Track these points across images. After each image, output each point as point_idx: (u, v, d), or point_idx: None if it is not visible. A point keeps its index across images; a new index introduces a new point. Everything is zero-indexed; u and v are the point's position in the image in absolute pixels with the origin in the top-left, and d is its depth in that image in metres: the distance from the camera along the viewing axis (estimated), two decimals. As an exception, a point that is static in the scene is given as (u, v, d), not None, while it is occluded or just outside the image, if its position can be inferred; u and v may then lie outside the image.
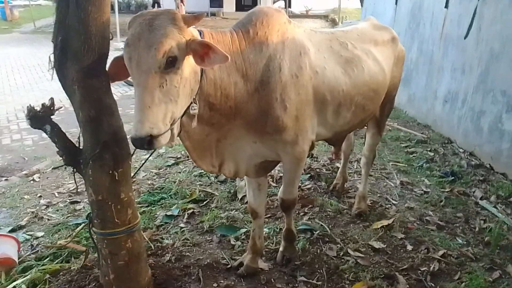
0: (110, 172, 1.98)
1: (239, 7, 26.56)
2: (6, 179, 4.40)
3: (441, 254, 2.91)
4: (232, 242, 3.03)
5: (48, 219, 3.48)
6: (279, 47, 2.11)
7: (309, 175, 4.21)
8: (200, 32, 1.89)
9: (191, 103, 1.82)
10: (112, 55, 1.91)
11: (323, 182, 4.07)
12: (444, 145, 5.29)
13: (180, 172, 4.32)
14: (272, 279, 2.60)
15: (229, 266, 2.72)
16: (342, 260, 2.83)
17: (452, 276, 2.70)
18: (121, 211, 2.06)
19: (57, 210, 3.63)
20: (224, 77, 1.95)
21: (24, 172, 4.58)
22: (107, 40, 1.85)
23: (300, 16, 25.94)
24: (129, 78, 1.77)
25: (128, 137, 1.83)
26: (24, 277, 2.56)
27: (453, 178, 4.22)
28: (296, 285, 2.55)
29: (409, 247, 3.01)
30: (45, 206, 3.72)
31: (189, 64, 1.73)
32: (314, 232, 3.16)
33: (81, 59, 1.80)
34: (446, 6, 5.42)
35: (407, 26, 6.76)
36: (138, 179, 4.25)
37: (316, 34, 2.41)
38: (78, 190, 3.69)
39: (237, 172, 2.35)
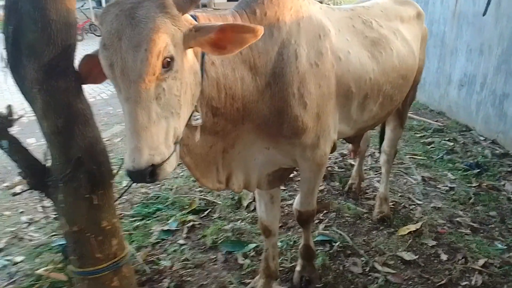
0: (87, 196, 1.56)
1: (232, -4, 25.84)
2: (-15, 194, 3.98)
3: (482, 263, 2.53)
4: (240, 261, 2.63)
5: (30, 240, 3.07)
6: (293, 30, 1.68)
7: (320, 174, 3.80)
8: (195, 18, 1.47)
9: (193, 111, 1.42)
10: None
11: (337, 182, 3.66)
12: (462, 133, 4.89)
13: (177, 177, 3.90)
14: (291, 307, 2.20)
15: (239, 292, 2.32)
16: (370, 277, 2.44)
17: (498, 291, 2.32)
18: (103, 243, 1.64)
19: (40, 228, 3.21)
20: (228, 73, 1.54)
21: (5, 184, 4.14)
22: (73, 27, 1.42)
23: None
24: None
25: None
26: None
27: (479, 170, 3.83)
28: (321, 313, 2.15)
29: (444, 257, 2.62)
30: (26, 224, 3.30)
31: (188, 63, 1.32)
32: (334, 243, 2.76)
33: (39, 54, 1.38)
34: (460, -18, 4.98)
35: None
36: (131, 188, 3.82)
37: (335, 11, 1.99)
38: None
39: (248, 185, 1.94)
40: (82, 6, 17.01)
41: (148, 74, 1.16)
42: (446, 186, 3.60)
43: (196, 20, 1.46)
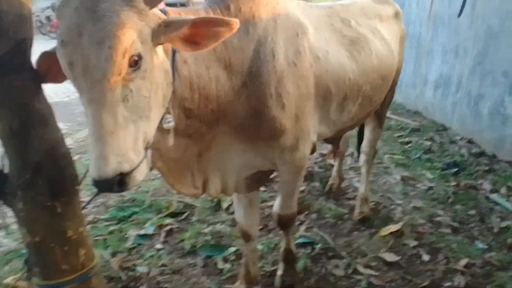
0: (49, 203, 1.44)
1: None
2: None
3: (464, 264, 2.51)
4: (220, 265, 2.54)
5: (0, 246, 2.90)
6: (270, 27, 1.60)
7: (300, 175, 3.74)
8: (164, 12, 1.36)
9: (164, 114, 1.32)
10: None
11: (318, 183, 3.61)
12: (439, 132, 4.94)
13: (154, 179, 3.76)
14: (272, 314, 2.13)
15: (218, 300, 2.23)
16: (352, 280, 2.39)
17: (481, 291, 2.31)
18: (69, 254, 1.52)
19: (9, 234, 3.03)
20: (202, 72, 1.44)
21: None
22: (27, 21, 1.30)
23: None
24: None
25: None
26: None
27: (456, 169, 3.85)
28: (302, 320, 2.08)
29: (425, 257, 2.59)
30: (-5, 229, 3.11)
31: (158, 61, 1.21)
32: (315, 246, 2.70)
33: (-10, 49, 1.24)
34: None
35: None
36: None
37: (312, 9, 1.92)
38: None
39: (225, 189, 1.85)
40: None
41: (113, 74, 1.05)
42: (425, 185, 3.60)
43: (165, 15, 1.36)
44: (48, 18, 16.09)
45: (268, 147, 1.73)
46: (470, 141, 4.52)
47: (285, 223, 2.13)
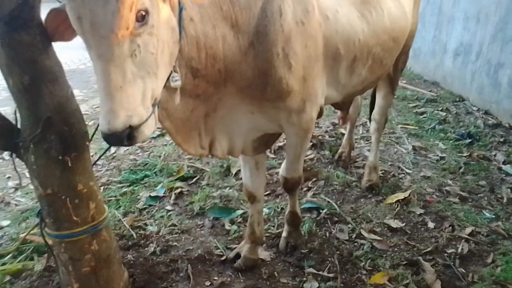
0: (60, 157, 1.50)
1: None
2: (-29, 158, 3.91)
3: (469, 232, 2.52)
4: (227, 227, 2.61)
5: (16, 205, 3.04)
6: None
7: (311, 143, 3.74)
8: None
9: (171, 72, 1.33)
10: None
11: (327, 151, 3.62)
12: (455, 103, 4.83)
13: (166, 145, 3.83)
14: (275, 272, 2.19)
15: (224, 257, 2.30)
16: (356, 244, 2.43)
17: (484, 258, 2.32)
18: (80, 207, 1.59)
19: (27, 194, 3.17)
20: (208, 31, 1.44)
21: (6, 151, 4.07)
22: (35, -26, 1.31)
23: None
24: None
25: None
26: (-22, 281, 2.14)
27: (470, 140, 3.80)
28: (304, 278, 2.14)
29: (431, 225, 2.61)
30: (13, 189, 3.26)
31: (164, 18, 1.21)
32: (321, 211, 2.74)
33: (-2, 5, 1.26)
34: None
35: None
36: (119, 154, 3.78)
37: (323, -35, 1.86)
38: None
39: (232, 151, 1.88)
40: None
41: (120, 28, 1.06)
42: (437, 155, 3.57)
43: None
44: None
45: (275, 108, 1.73)
46: (487, 112, 4.43)
47: (291, 186, 2.16)
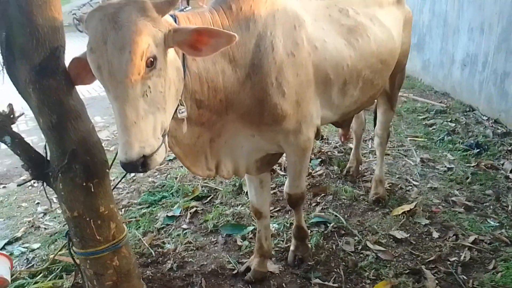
0: (84, 184, 1.71)
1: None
2: (4, 187, 4.23)
3: (472, 240, 2.60)
4: (239, 243, 2.77)
5: (45, 228, 3.29)
6: (269, 22, 1.77)
7: (320, 159, 3.89)
8: (175, 18, 1.57)
9: (178, 105, 1.54)
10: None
11: (336, 167, 3.75)
12: (465, 113, 4.89)
13: (182, 167, 4.05)
14: (283, 284, 2.34)
15: (235, 271, 2.46)
16: (361, 255, 2.55)
17: (486, 265, 2.40)
18: (102, 227, 1.79)
19: (54, 218, 3.43)
20: (209, 67, 1.65)
21: (22, 178, 4.38)
22: (59, 30, 1.55)
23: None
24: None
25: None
26: (16, 297, 2.37)
27: (478, 150, 3.86)
28: (311, 288, 2.28)
29: (435, 235, 2.70)
30: (42, 214, 3.52)
31: (170, 61, 1.43)
32: (329, 224, 2.87)
33: (30, 57, 1.51)
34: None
35: (417, -13, 6.25)
36: (139, 177, 4.01)
37: (311, 1, 2.06)
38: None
39: (237, 171, 2.06)
40: (91, 0, 17.31)
41: (133, 74, 1.27)
42: (445, 166, 3.64)
43: (175, 20, 1.57)
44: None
45: (273, 131, 1.91)
46: (496, 121, 4.47)
47: (294, 202, 2.32)
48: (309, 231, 2.80)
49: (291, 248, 2.53)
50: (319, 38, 1.92)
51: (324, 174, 3.66)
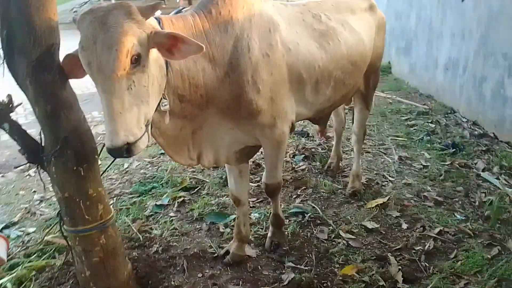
0: (75, 168, 1.89)
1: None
2: (2, 176, 4.40)
3: (438, 231, 2.79)
4: (221, 230, 2.96)
5: (41, 214, 3.47)
6: (246, 25, 1.96)
7: (303, 155, 4.09)
8: (159, 21, 1.75)
9: (161, 99, 1.71)
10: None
11: (318, 162, 3.95)
12: (446, 115, 5.09)
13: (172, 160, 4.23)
14: (259, 266, 2.53)
15: (216, 254, 2.65)
16: (333, 243, 2.74)
17: (448, 254, 2.59)
18: (90, 207, 1.98)
19: (50, 205, 3.61)
20: (190, 66, 1.83)
21: (20, 167, 4.55)
22: (54, 29, 1.73)
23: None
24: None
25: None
26: (10, 274, 2.55)
27: (454, 150, 4.06)
28: (283, 271, 2.47)
29: (404, 226, 2.90)
30: (38, 201, 3.70)
31: (154, 59, 1.60)
32: (306, 214, 3.06)
33: (28, 53, 1.69)
34: (443, -32, 5.11)
35: (405, -8, 6.46)
36: (131, 169, 4.20)
37: (287, 7, 2.25)
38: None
39: (217, 161, 2.25)
40: None
41: (119, 70, 1.44)
42: (421, 164, 3.84)
43: (160, 23, 1.75)
44: (85, 13, 16.81)
45: (249, 125, 2.10)
46: (474, 123, 4.67)
47: (271, 191, 2.51)
48: (287, 220, 3.00)
49: (268, 234, 2.72)
50: (292, 41, 2.11)
51: (307, 169, 3.86)
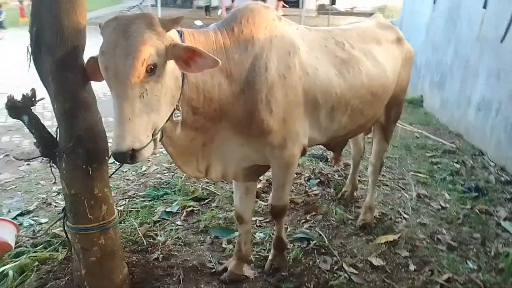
0: (84, 166, 1.94)
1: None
2: (28, 164, 4.57)
3: (446, 278, 2.66)
4: (224, 245, 2.94)
5: (55, 206, 3.57)
6: (266, 46, 1.98)
7: (318, 180, 4.03)
8: (180, 33, 1.79)
9: (174, 110, 1.74)
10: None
11: (332, 189, 3.87)
12: (474, 157, 4.89)
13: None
14: (255, 288, 2.48)
15: (214, 270, 2.63)
16: (335, 275, 2.66)
17: (453, 304, 2.46)
18: (94, 207, 2.02)
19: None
20: (207, 80, 1.85)
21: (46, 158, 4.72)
22: (81, 32, 1.80)
23: (344, 13, 25.45)
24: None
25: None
26: (14, 262, 2.61)
27: (476, 194, 3.87)
28: (279, 297, 2.41)
29: (412, 267, 2.78)
30: (56, 193, 3.81)
31: (170, 70, 1.63)
32: (311, 242, 2.99)
33: (54, 51, 1.77)
34: (485, 6, 4.98)
35: (443, 26, 6.33)
36: (149, 172, 4.27)
37: (311, 32, 2.25)
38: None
39: (225, 176, 2.25)
40: (140, 3, 18.20)
41: (134, 77, 1.48)
42: (439, 204, 3.69)
43: (181, 36, 1.79)
44: (132, 16, 17.51)
45: (259, 143, 2.10)
46: (502, 169, 4.46)
47: (276, 213, 2.47)
48: (291, 245, 2.95)
49: (269, 257, 2.68)
50: (311, 65, 2.11)
51: (320, 194, 3.79)
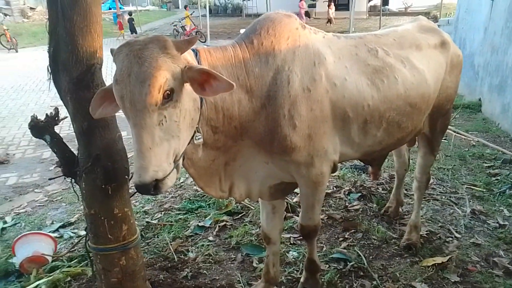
0: (103, 186, 1.91)
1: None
2: (74, 175, 4.75)
3: (502, 311, 2.32)
4: (255, 264, 2.82)
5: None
6: (288, 57, 1.84)
7: (359, 194, 3.77)
8: (196, 52, 1.70)
9: (194, 132, 1.65)
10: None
11: (375, 204, 3.60)
12: (540, 168, 4.36)
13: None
14: (283, 314, 2.32)
15: (241, 292, 2.51)
16: (373, 302, 2.43)
17: None
18: (114, 227, 1.98)
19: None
20: (226, 97, 1.74)
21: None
22: (97, 51, 1.78)
23: (398, 13, 24.55)
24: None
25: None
26: (48, 277, 2.67)
27: (542, 210, 3.42)
28: (309, 326, 2.23)
29: (463, 296, 2.47)
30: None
31: (187, 92, 1.54)
32: (349, 263, 2.77)
33: (70, 70, 1.76)
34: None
35: (503, 25, 5.76)
36: (186, 184, 4.26)
37: (340, 40, 2.07)
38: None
39: (250, 195, 2.13)
40: (191, 14, 18.83)
41: (151, 105, 1.39)
42: (497, 222, 3.29)
43: (197, 55, 1.70)
44: (183, 27, 18.04)
45: (283, 161, 1.95)
46: None
47: (306, 233, 2.30)
48: (327, 265, 2.76)
49: (301, 279, 2.51)
50: (339, 76, 1.93)
51: (361, 209, 3.54)
